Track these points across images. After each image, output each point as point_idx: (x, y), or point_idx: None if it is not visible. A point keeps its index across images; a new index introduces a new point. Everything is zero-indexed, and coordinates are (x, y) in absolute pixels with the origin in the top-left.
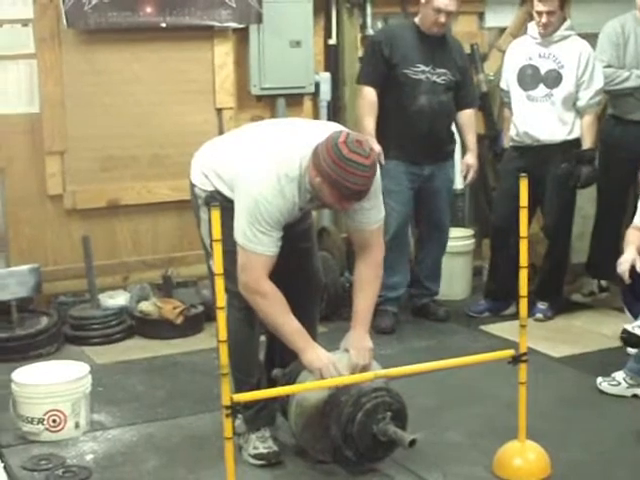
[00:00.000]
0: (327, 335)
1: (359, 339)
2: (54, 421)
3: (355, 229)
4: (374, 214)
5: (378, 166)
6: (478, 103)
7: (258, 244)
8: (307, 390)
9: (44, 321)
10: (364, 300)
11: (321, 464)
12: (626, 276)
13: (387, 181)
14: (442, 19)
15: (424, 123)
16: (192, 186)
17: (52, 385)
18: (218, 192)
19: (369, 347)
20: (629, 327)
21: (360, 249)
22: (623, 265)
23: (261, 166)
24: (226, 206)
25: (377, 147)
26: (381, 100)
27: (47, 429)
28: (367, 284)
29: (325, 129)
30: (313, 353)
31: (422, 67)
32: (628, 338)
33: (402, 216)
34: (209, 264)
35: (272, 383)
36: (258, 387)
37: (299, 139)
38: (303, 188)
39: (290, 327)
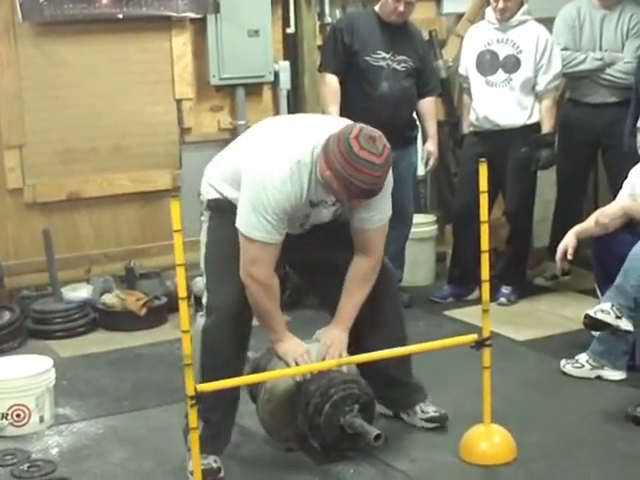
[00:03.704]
0: (290, 324)
1: (335, 335)
2: (18, 416)
3: (357, 228)
4: (380, 212)
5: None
6: (439, 90)
7: (262, 231)
8: (273, 378)
9: (6, 316)
10: (350, 300)
11: (289, 452)
12: (559, 265)
13: None
14: (401, 8)
15: (386, 109)
16: (198, 195)
17: (15, 380)
18: (220, 198)
19: (343, 346)
20: (591, 312)
21: (358, 249)
22: (557, 255)
23: (271, 153)
24: (226, 210)
25: None
26: (343, 87)
27: (11, 424)
28: (357, 285)
29: (338, 121)
30: (289, 343)
31: (383, 54)
32: (590, 323)
33: None
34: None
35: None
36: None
37: (311, 128)
38: (314, 178)
39: (276, 317)
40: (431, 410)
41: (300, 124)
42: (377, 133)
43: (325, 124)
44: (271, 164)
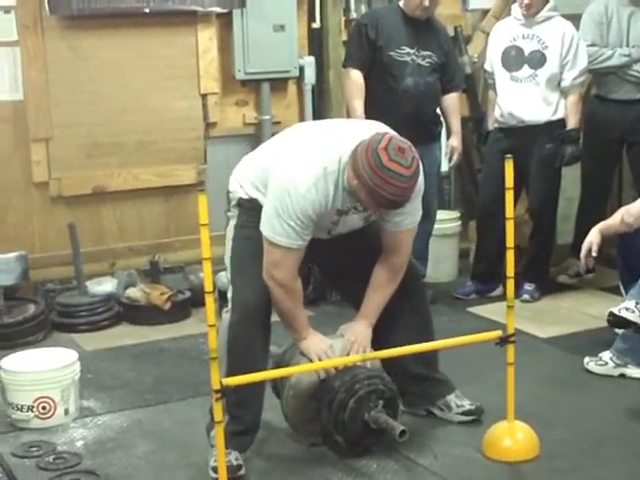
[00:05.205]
0: (313, 319)
1: (360, 331)
2: (43, 408)
3: (387, 230)
4: (410, 216)
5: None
6: (464, 86)
7: (285, 236)
8: (298, 373)
9: (31, 309)
10: (376, 296)
11: (313, 447)
12: (583, 262)
13: None
14: (426, 3)
15: (410, 105)
16: (227, 193)
17: (41, 372)
18: (250, 199)
19: (368, 341)
20: (615, 310)
21: (386, 250)
22: (582, 252)
23: (297, 159)
24: (256, 209)
25: None
26: (367, 83)
27: (37, 416)
28: (384, 283)
29: (367, 127)
30: (312, 340)
31: (407, 49)
32: (614, 321)
33: None
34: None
35: None
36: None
37: (340, 135)
38: (341, 186)
39: (298, 317)
40: (466, 403)
41: (329, 130)
42: (407, 144)
43: (354, 131)
44: (297, 170)
